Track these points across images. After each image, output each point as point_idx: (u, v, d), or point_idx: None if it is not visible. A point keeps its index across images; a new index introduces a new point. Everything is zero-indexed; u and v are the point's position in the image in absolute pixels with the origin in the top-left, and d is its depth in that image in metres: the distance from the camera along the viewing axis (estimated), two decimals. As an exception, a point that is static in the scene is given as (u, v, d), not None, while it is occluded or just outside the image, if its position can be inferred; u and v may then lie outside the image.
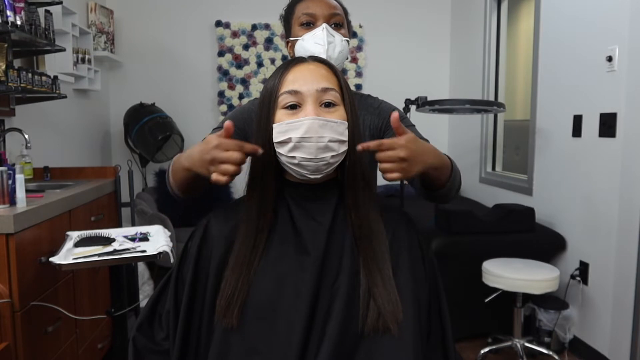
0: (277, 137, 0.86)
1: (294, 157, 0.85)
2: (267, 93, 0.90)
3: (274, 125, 0.87)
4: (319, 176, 0.88)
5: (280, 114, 0.87)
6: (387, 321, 0.83)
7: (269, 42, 4.05)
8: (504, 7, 3.66)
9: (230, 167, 0.82)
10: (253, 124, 1.15)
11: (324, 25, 1.18)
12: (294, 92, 0.87)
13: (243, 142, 0.83)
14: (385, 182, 1.34)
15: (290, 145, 0.85)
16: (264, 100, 0.90)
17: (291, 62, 0.92)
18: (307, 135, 0.83)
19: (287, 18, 1.26)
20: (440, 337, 0.95)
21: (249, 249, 0.88)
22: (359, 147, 0.84)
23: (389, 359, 0.83)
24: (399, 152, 0.82)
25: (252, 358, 0.84)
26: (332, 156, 0.86)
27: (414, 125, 1.24)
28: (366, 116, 1.22)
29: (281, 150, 0.87)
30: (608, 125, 2.36)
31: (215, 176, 0.83)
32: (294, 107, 0.87)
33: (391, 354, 0.84)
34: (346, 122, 0.88)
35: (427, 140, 1.17)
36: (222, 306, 0.86)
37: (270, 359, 0.83)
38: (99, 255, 1.54)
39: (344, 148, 0.87)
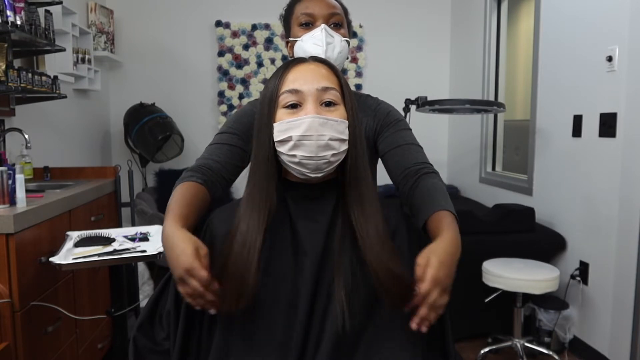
0: (277, 136, 0.87)
1: (294, 156, 0.85)
2: (267, 93, 0.90)
3: (275, 124, 0.87)
4: (319, 175, 0.88)
5: (281, 113, 0.88)
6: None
7: (269, 42, 4.05)
8: (504, 7, 3.66)
9: (192, 293, 0.80)
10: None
11: (323, 25, 1.17)
12: (295, 91, 0.87)
13: (214, 282, 0.80)
14: (385, 182, 1.34)
15: (291, 143, 0.85)
16: (265, 100, 0.90)
17: (292, 62, 0.93)
18: (308, 134, 0.84)
19: (287, 18, 1.26)
20: (440, 337, 0.95)
21: (247, 249, 0.86)
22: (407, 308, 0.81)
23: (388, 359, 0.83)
24: (442, 285, 0.81)
25: (252, 358, 0.84)
26: (333, 154, 0.86)
27: (409, 129, 1.20)
28: (363, 118, 1.21)
29: (282, 149, 0.87)
30: (608, 125, 2.36)
31: (181, 289, 0.82)
32: (294, 106, 0.87)
33: (390, 354, 0.84)
34: (346, 121, 0.88)
35: (420, 147, 1.15)
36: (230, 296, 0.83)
37: (271, 358, 0.83)
38: (99, 255, 1.54)
39: (344, 147, 0.88)
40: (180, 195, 0.96)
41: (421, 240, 0.96)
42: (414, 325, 0.80)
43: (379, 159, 1.23)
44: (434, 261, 0.81)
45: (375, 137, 1.21)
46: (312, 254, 0.87)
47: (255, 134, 0.93)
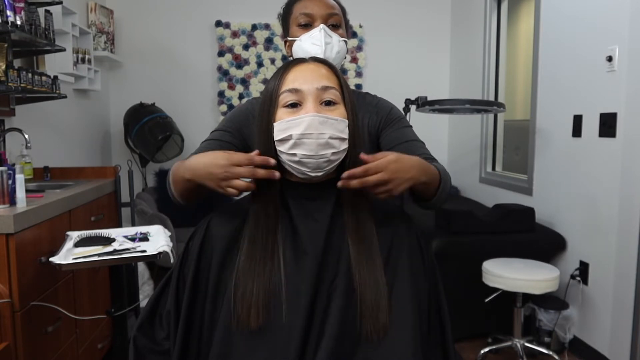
0: (277, 135, 0.87)
1: (294, 155, 0.86)
2: (267, 93, 0.91)
3: (275, 124, 0.88)
4: (319, 174, 0.88)
5: (281, 113, 0.88)
6: (381, 324, 0.84)
7: (269, 42, 4.05)
8: (504, 7, 3.66)
9: (243, 183, 0.86)
10: (250, 124, 1.16)
11: (322, 26, 1.18)
12: (295, 91, 0.87)
13: (252, 155, 0.86)
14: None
15: (291, 142, 0.85)
16: (265, 100, 0.91)
17: (292, 62, 0.93)
18: (308, 132, 0.84)
19: (285, 18, 1.26)
20: (439, 338, 0.95)
21: (262, 251, 0.88)
22: (345, 175, 0.86)
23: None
24: (381, 175, 0.84)
25: (253, 357, 0.84)
26: (333, 153, 0.86)
27: (410, 126, 1.23)
28: (365, 115, 1.22)
29: (282, 148, 0.87)
30: (608, 125, 2.36)
31: (230, 190, 0.86)
32: (294, 105, 0.87)
33: (390, 356, 0.84)
34: (346, 120, 0.88)
35: (422, 143, 1.19)
36: (243, 313, 0.85)
37: (271, 357, 0.83)
38: (99, 255, 1.54)
39: (344, 146, 0.88)
40: (179, 162, 1.00)
41: (421, 240, 0.96)
42: (340, 183, 0.85)
43: None
44: (394, 158, 0.86)
45: (378, 133, 1.21)
46: (312, 253, 0.87)
47: (256, 134, 0.93)
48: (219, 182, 0.86)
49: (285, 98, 0.88)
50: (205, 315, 0.89)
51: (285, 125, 0.86)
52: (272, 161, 0.86)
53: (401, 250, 0.91)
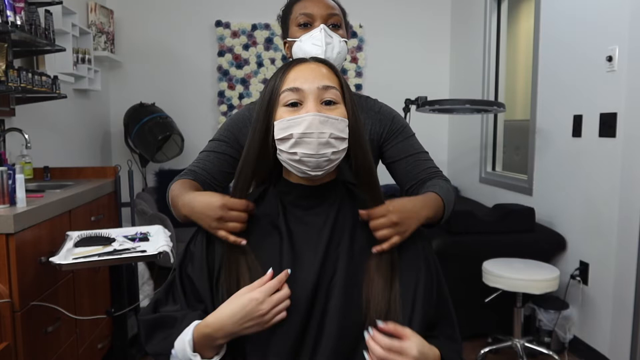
0: (278, 134, 0.87)
1: (295, 153, 0.86)
2: (268, 92, 0.91)
3: (275, 123, 0.88)
4: (319, 173, 0.88)
5: (281, 112, 0.88)
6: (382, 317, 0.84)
7: (269, 42, 4.05)
8: (504, 7, 3.66)
9: (237, 225, 0.89)
10: (248, 131, 1.16)
11: (322, 26, 1.17)
12: (296, 90, 0.87)
13: (248, 202, 0.89)
14: (386, 182, 1.35)
15: (292, 141, 0.85)
16: (265, 99, 0.91)
17: (292, 62, 0.94)
18: (309, 131, 0.84)
19: (285, 18, 1.25)
20: (446, 321, 0.99)
21: (263, 251, 0.90)
22: (364, 213, 0.89)
23: None
24: (390, 218, 0.88)
25: (255, 356, 0.85)
26: (333, 152, 0.86)
27: (414, 135, 1.25)
28: (367, 119, 1.22)
29: (282, 147, 0.87)
30: (608, 125, 2.36)
31: (222, 233, 0.89)
32: (295, 104, 0.88)
33: None
34: (347, 120, 0.89)
35: (427, 153, 1.21)
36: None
37: (271, 356, 0.84)
38: (99, 255, 1.54)
39: (344, 145, 0.88)
40: (180, 184, 1.03)
41: (424, 240, 0.96)
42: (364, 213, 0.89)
43: (382, 164, 1.25)
44: (392, 202, 0.91)
45: (381, 142, 1.22)
46: (312, 253, 0.88)
47: (250, 131, 0.93)
48: (212, 222, 0.90)
49: (286, 97, 0.88)
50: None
51: (286, 124, 0.86)
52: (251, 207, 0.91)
53: (403, 250, 0.92)
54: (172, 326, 0.87)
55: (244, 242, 0.88)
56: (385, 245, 0.88)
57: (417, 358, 0.80)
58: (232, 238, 0.88)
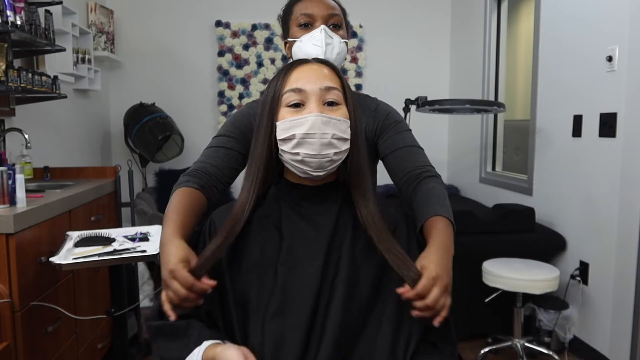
0: (280, 134, 0.87)
1: (297, 154, 0.86)
2: (270, 92, 0.91)
3: (278, 123, 0.88)
4: (321, 173, 0.88)
5: (284, 112, 0.88)
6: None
7: (269, 42, 4.05)
8: (504, 7, 3.66)
9: (174, 298, 0.81)
10: (252, 127, 1.16)
11: (322, 26, 1.17)
12: (298, 90, 0.88)
13: (195, 282, 0.81)
14: (385, 182, 1.35)
15: (294, 141, 0.86)
16: (267, 99, 0.91)
17: (294, 62, 0.94)
18: (311, 132, 0.85)
19: (285, 18, 1.25)
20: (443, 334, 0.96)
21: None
22: (400, 291, 0.81)
23: (387, 355, 0.84)
24: (442, 282, 0.81)
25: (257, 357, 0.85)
26: (335, 153, 0.87)
27: (409, 130, 1.21)
28: (362, 118, 1.21)
29: (285, 147, 0.87)
30: (608, 125, 2.36)
31: (163, 295, 0.84)
32: (297, 105, 0.88)
33: (390, 350, 0.85)
34: (349, 121, 0.89)
35: (421, 149, 1.17)
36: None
37: (276, 355, 0.84)
38: (99, 255, 1.54)
39: (346, 146, 0.89)
40: (178, 202, 0.98)
41: (421, 239, 0.96)
42: (415, 313, 0.81)
43: (379, 160, 1.23)
44: (428, 264, 0.83)
45: (376, 139, 1.21)
46: (313, 253, 0.88)
47: (255, 131, 0.93)
48: (163, 275, 0.84)
49: (288, 98, 0.88)
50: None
51: (288, 125, 0.86)
52: (209, 290, 0.83)
53: (401, 245, 0.92)
54: (176, 334, 0.86)
55: (172, 317, 0.82)
56: (444, 314, 0.81)
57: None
58: (165, 306, 0.83)
